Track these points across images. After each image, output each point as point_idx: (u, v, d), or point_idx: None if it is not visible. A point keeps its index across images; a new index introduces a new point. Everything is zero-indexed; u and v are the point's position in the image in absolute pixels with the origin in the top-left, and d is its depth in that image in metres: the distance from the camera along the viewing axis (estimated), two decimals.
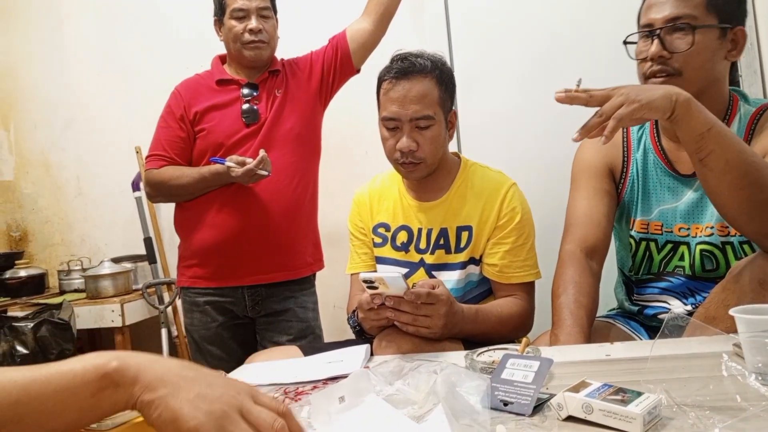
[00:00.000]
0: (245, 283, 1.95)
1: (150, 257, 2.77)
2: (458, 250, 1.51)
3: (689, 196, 1.36)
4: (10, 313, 2.49)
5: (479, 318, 1.37)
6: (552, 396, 0.87)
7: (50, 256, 3.08)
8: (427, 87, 1.43)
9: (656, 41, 1.28)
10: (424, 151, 1.45)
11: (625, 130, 1.47)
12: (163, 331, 2.62)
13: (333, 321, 2.40)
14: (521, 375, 0.90)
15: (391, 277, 1.17)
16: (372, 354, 1.29)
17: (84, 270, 2.75)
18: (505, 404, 0.87)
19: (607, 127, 1.07)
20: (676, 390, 0.85)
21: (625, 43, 1.36)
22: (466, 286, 1.53)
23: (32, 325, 2.13)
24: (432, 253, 1.53)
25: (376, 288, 1.20)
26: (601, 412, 0.77)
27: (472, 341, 1.36)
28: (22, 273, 2.83)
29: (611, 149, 1.46)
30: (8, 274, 2.81)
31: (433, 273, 1.52)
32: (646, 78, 1.31)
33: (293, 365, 1.26)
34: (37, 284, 2.84)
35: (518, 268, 1.49)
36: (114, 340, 2.49)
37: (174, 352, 2.68)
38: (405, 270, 1.52)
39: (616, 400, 0.78)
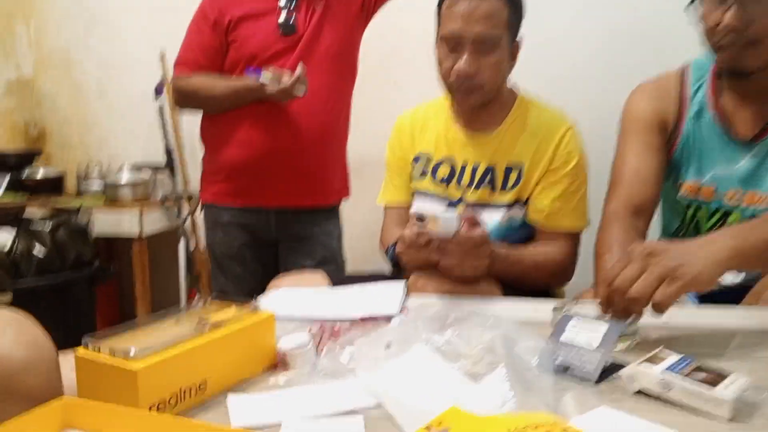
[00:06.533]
0: (271, 204, 1.88)
1: (170, 168, 2.69)
2: (504, 189, 1.41)
3: (746, 162, 1.23)
4: (27, 212, 2.45)
5: (510, 258, 1.30)
6: (619, 366, 0.80)
7: (68, 157, 3.01)
8: (496, 6, 1.29)
9: (734, 8, 1.10)
10: (484, 76, 1.32)
11: (680, 81, 1.33)
12: (181, 245, 2.57)
13: (354, 251, 2.33)
14: (585, 339, 0.81)
15: (446, 218, 1.09)
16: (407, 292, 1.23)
17: (102, 174, 2.69)
18: (565, 369, 0.80)
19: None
20: (763, 371, 0.76)
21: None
22: (508, 229, 1.43)
23: (50, 227, 2.09)
24: (475, 190, 1.43)
25: (425, 224, 1.11)
26: (682, 392, 0.69)
27: (506, 285, 1.29)
28: (40, 173, 2.77)
29: (665, 100, 1.32)
30: (26, 172, 2.75)
31: (475, 212, 1.43)
32: (716, 49, 1.17)
33: (325, 297, 1.20)
34: (54, 185, 2.78)
35: (567, 215, 1.39)
36: (131, 250, 2.45)
37: (192, 266, 2.64)
38: (456, 214, 1.43)
39: (700, 379, 0.70)
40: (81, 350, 0.73)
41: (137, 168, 2.64)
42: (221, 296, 1.95)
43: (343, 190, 2.02)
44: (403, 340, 0.81)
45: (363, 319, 1.02)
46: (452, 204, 1.46)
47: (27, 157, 2.85)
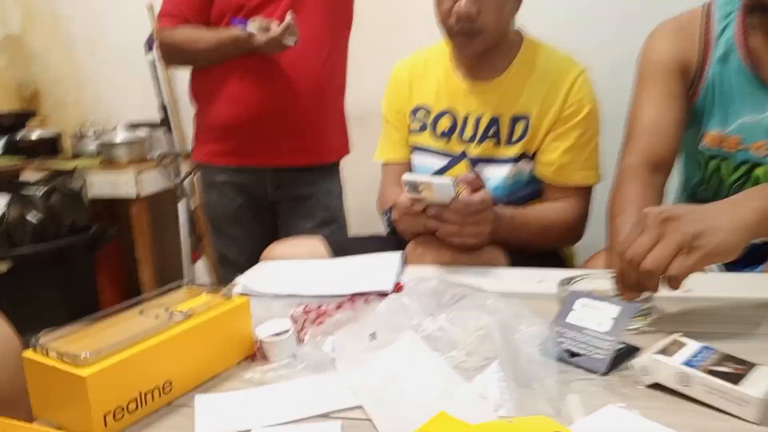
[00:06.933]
0: (267, 164, 1.78)
1: (166, 125, 2.59)
2: (510, 142, 1.30)
3: None
4: (23, 177, 2.38)
5: (516, 221, 1.21)
6: (632, 349, 0.71)
7: (63, 117, 2.92)
8: None
9: None
10: (485, 19, 1.20)
11: (705, 19, 1.19)
12: (181, 205, 2.50)
13: (357, 209, 2.24)
14: (595, 322, 0.72)
15: (441, 185, 0.99)
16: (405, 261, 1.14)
17: (98, 134, 2.60)
18: (572, 355, 0.71)
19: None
20: None
21: None
22: (514, 185, 1.33)
23: (42, 193, 2.02)
24: (479, 143, 1.32)
25: (419, 192, 1.01)
26: (702, 388, 0.61)
27: (512, 249, 1.20)
28: (35, 134, 2.69)
29: (687, 42, 1.18)
30: (21, 134, 2.67)
31: (478, 168, 1.33)
32: None
33: (315, 270, 1.11)
34: (50, 147, 2.70)
35: (578, 168, 1.29)
36: (130, 211, 2.39)
37: (193, 226, 2.58)
38: (451, 180, 1.33)
39: (724, 372, 0.61)
40: (29, 352, 0.66)
41: (133, 126, 2.55)
42: (221, 259, 1.91)
43: (343, 148, 1.92)
44: (390, 328, 0.73)
45: (352, 297, 0.93)
46: (455, 159, 1.35)
47: (21, 118, 2.77)
